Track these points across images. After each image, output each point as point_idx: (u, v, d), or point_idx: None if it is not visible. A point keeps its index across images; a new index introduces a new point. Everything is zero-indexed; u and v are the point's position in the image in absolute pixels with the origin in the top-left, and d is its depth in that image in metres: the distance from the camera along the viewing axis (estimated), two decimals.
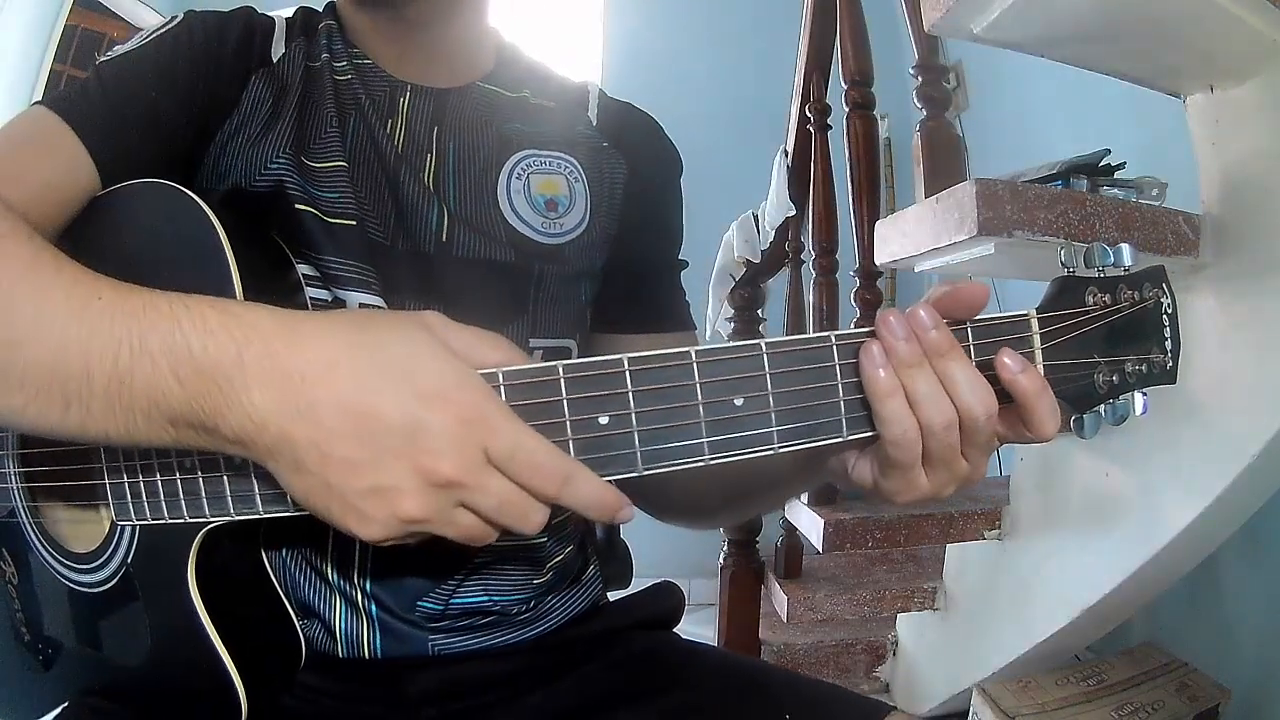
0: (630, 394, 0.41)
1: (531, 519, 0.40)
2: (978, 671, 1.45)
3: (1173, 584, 1.29)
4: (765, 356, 0.42)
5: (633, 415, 0.41)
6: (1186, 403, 1.04)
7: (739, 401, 0.42)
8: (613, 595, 0.75)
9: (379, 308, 0.58)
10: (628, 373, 0.41)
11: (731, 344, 0.42)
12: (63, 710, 0.58)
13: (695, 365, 0.41)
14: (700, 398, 0.41)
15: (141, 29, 0.61)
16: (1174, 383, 0.47)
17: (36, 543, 0.58)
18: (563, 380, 0.41)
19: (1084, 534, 1.28)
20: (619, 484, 0.42)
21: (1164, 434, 1.10)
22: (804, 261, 2.05)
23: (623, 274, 0.69)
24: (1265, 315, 0.98)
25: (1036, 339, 0.45)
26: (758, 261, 2.11)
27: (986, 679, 1.39)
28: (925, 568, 1.73)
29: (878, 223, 1.27)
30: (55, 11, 2.21)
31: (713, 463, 0.42)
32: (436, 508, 0.38)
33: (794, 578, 1.73)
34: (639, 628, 0.70)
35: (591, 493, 0.40)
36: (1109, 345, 0.46)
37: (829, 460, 0.51)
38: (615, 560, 0.80)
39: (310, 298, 0.57)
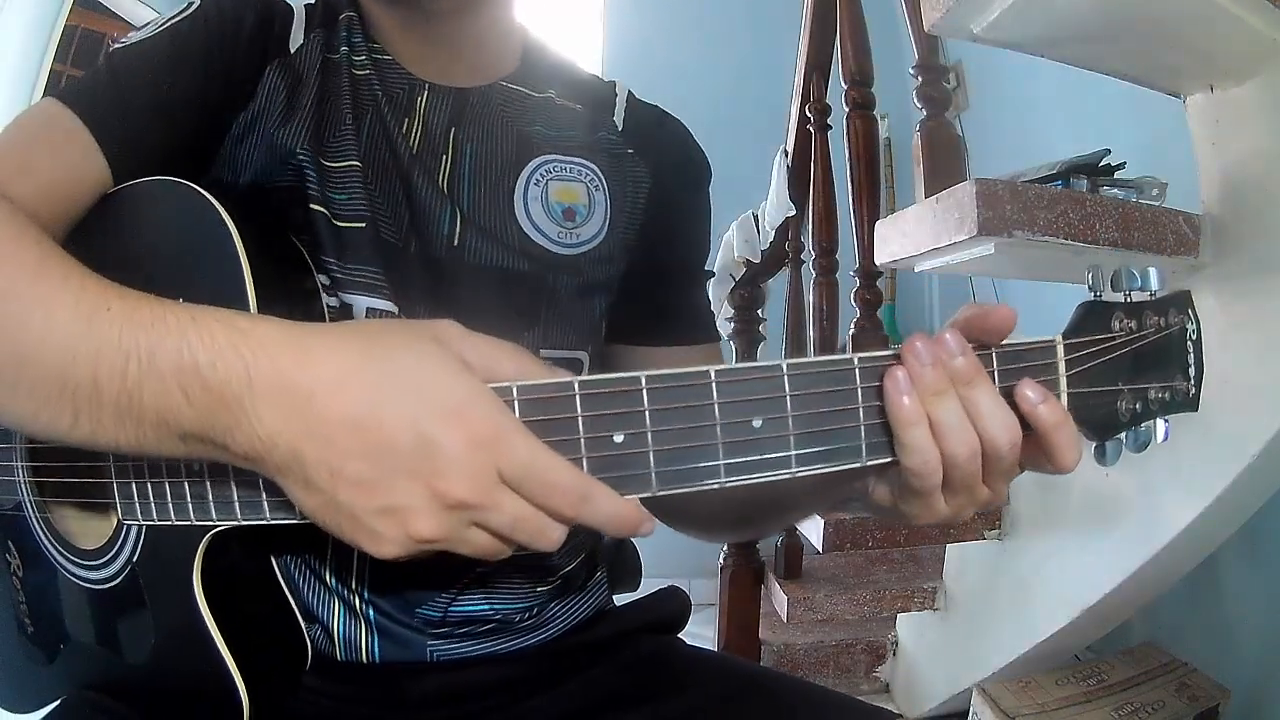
0: (646, 412, 0.40)
1: (548, 536, 0.39)
2: (978, 671, 1.45)
3: (1173, 584, 1.29)
4: (786, 378, 0.41)
5: (648, 434, 0.40)
6: None
7: (757, 423, 0.40)
8: (622, 597, 0.75)
9: (388, 313, 0.57)
10: (644, 391, 0.40)
11: (751, 364, 0.41)
12: (62, 703, 0.58)
13: (714, 385, 0.40)
14: (718, 418, 0.40)
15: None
16: (1195, 410, 0.47)
17: (43, 537, 0.58)
18: (578, 397, 0.39)
19: (1084, 534, 1.28)
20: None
21: None
22: (804, 261, 2.05)
23: (643, 284, 0.67)
24: (1265, 315, 0.98)
25: (1062, 366, 0.44)
26: (758, 261, 2.11)
27: (986, 679, 1.39)
28: (925, 568, 1.74)
29: (878, 223, 1.28)
30: (55, 11, 2.21)
31: (728, 485, 0.41)
32: (449, 527, 0.38)
33: (794, 578, 1.73)
34: (644, 632, 0.69)
35: (610, 510, 0.39)
36: (1133, 372, 0.45)
37: (852, 481, 0.50)
38: (625, 563, 0.79)
39: (325, 303, 0.56)
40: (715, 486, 0.41)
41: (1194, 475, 1.06)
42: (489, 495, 0.37)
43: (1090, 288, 0.45)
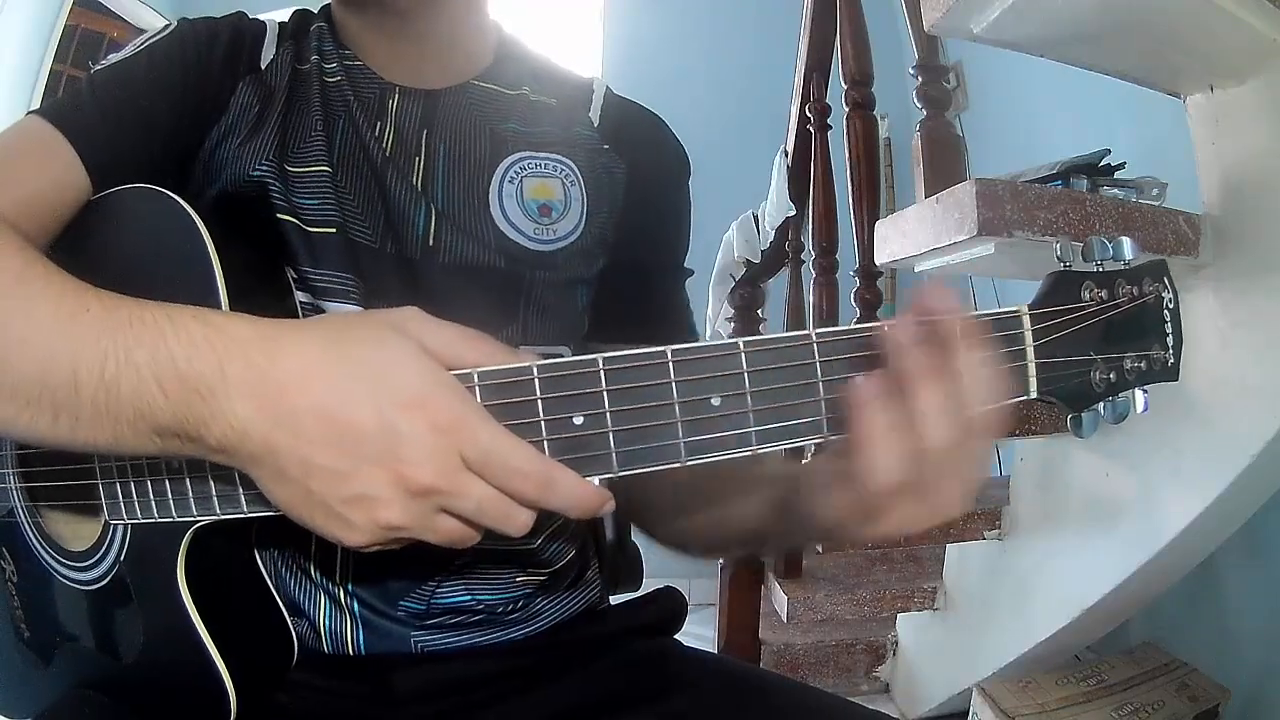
0: (605, 393, 0.40)
1: (515, 519, 0.40)
2: (978, 671, 1.45)
3: (1173, 584, 1.29)
4: (743, 355, 0.41)
5: (607, 415, 0.40)
6: (1186, 402, 1.04)
7: (716, 401, 0.41)
8: (623, 597, 0.74)
9: None
10: (602, 372, 0.40)
11: (708, 343, 0.41)
12: (59, 701, 0.58)
13: (671, 364, 0.40)
14: (676, 397, 0.40)
15: (141, 29, 0.61)
16: (1176, 379, 0.46)
17: (35, 541, 0.58)
18: (537, 380, 0.40)
19: (1084, 534, 1.28)
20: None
21: (1164, 434, 1.10)
22: (804, 261, 2.05)
23: (621, 280, 0.67)
24: (1265, 315, 0.98)
25: (1028, 336, 0.44)
26: (758, 261, 2.11)
27: (986, 679, 1.39)
28: (925, 568, 1.73)
29: (878, 223, 1.27)
30: (55, 11, 2.21)
31: (690, 464, 0.41)
32: (416, 514, 0.39)
33: (794, 578, 1.73)
34: (640, 633, 0.69)
35: (572, 493, 0.40)
36: (1107, 342, 0.45)
37: (804, 506, 0.48)
38: (626, 561, 0.79)
39: (299, 302, 0.57)
40: (677, 466, 0.41)
41: (1194, 475, 1.06)
42: (453, 480, 0.38)
43: (1059, 257, 0.45)
